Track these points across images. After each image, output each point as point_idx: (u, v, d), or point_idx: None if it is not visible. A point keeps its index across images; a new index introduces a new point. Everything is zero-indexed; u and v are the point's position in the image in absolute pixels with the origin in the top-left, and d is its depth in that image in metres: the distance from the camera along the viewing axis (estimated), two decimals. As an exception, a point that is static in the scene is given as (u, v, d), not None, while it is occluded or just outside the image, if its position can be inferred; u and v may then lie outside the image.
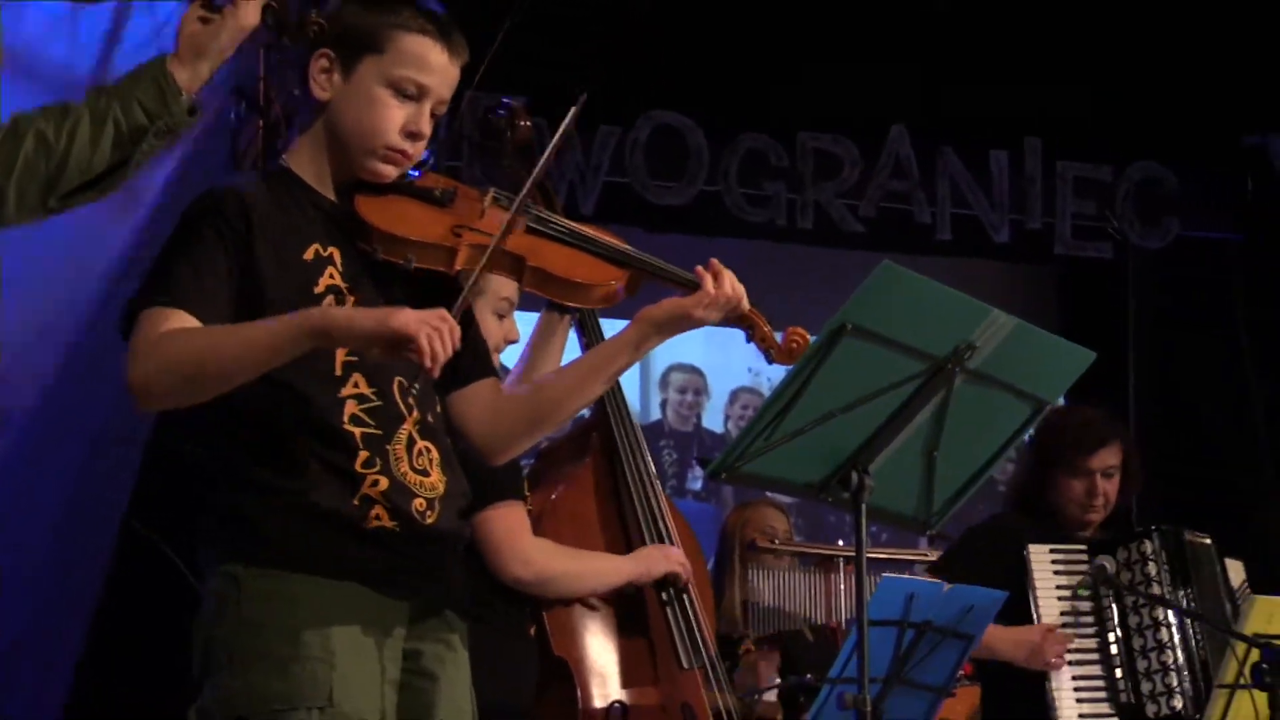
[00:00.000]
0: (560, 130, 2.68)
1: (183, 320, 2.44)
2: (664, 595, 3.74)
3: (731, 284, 2.82)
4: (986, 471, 3.17)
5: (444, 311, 2.46)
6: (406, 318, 2.42)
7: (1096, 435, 4.21)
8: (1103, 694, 4.03)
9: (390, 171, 2.66)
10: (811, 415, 2.98)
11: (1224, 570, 4.38)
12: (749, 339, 2.98)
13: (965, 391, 3.04)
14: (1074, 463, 4.17)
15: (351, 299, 2.59)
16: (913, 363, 3.01)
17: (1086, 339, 3.20)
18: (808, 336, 2.98)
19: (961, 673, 3.91)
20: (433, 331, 2.41)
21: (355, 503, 2.51)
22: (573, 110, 2.66)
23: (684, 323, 2.84)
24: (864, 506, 3.02)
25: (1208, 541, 4.35)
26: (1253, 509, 7.81)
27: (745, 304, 2.88)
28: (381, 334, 2.40)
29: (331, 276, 2.59)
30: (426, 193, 2.71)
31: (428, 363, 2.41)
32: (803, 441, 3.01)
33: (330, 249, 2.60)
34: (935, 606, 3.55)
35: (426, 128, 2.67)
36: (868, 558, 3.01)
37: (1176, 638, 4.03)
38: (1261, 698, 3.68)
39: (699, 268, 2.83)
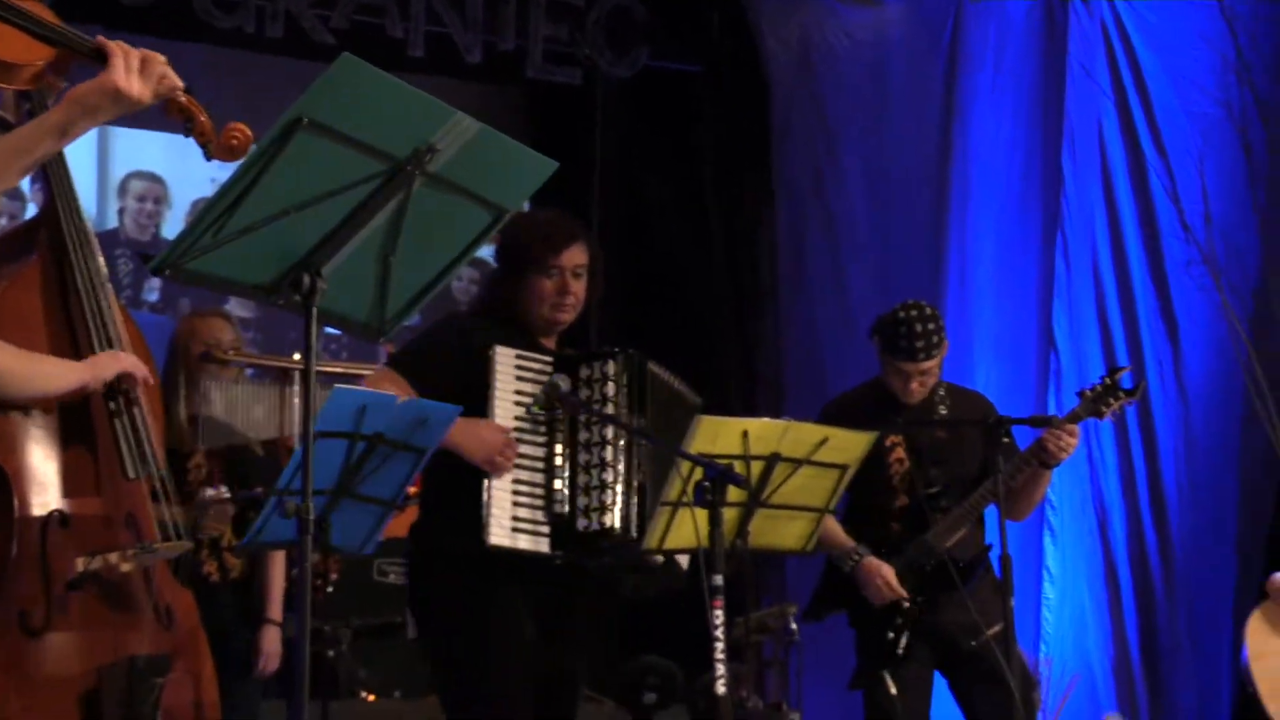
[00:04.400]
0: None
1: None
2: (112, 405, 3.50)
3: (144, 58, 2.62)
4: (443, 279, 3.10)
5: None
6: None
7: (567, 232, 4.20)
8: (540, 502, 4.05)
9: None
10: (263, 212, 2.83)
11: (684, 404, 4.48)
12: (188, 133, 2.81)
13: (424, 195, 2.96)
14: (544, 260, 4.15)
15: None
16: (371, 162, 2.89)
17: (554, 158, 3.15)
18: (249, 133, 2.80)
19: (412, 490, 3.85)
20: None
21: None
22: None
23: (108, 97, 2.62)
24: (314, 310, 2.89)
25: (674, 378, 4.44)
26: (712, 341, 8.17)
27: (178, 87, 2.68)
28: None
29: None
30: None
31: None
32: (254, 240, 2.86)
33: None
34: (388, 419, 3.47)
35: None
36: (325, 371, 2.88)
37: (620, 458, 4.09)
38: (702, 514, 3.79)
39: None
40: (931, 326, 5.02)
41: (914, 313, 5.03)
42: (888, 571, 5.00)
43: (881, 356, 5.09)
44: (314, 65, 7.19)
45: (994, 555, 4.89)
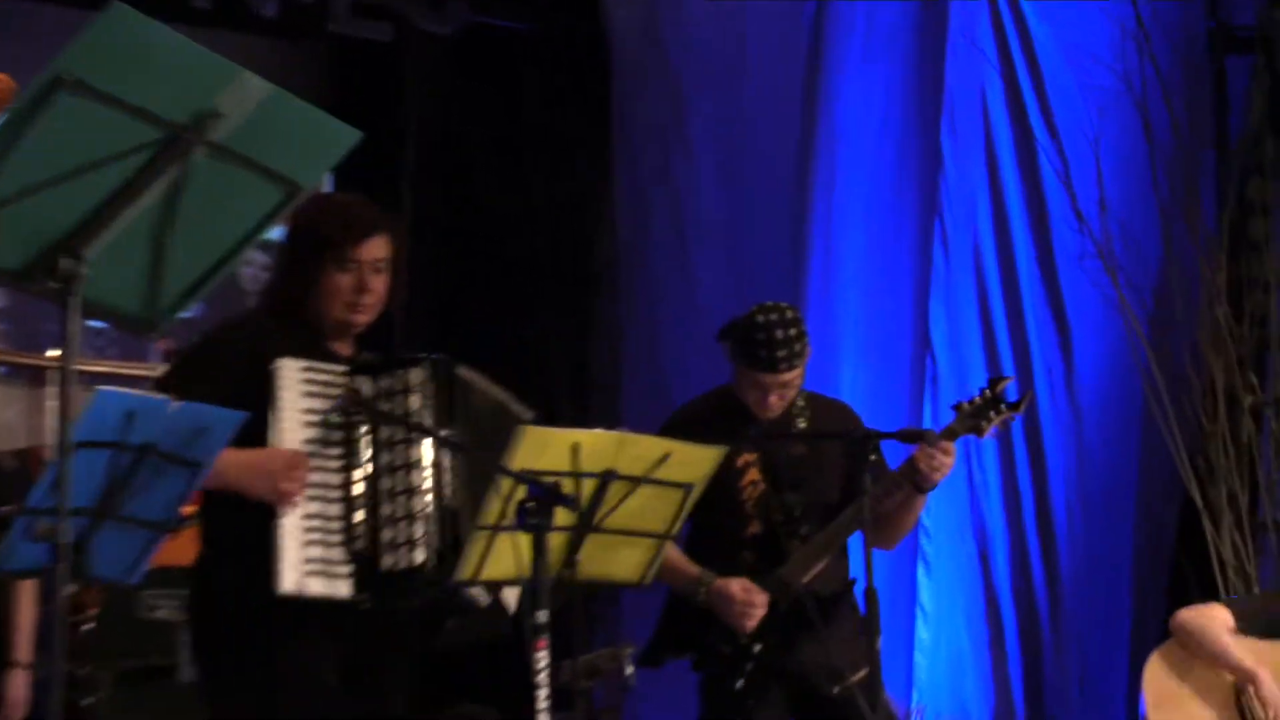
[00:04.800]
0: None
1: None
2: None
3: None
4: (226, 265, 3.12)
5: None
6: None
7: (367, 220, 4.22)
8: (337, 538, 4.07)
9: None
10: (16, 185, 2.83)
11: (506, 416, 4.51)
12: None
13: (205, 168, 2.98)
14: (341, 252, 4.17)
15: None
16: (144, 129, 2.91)
17: (360, 127, 3.19)
18: (10, 84, 2.81)
19: (188, 510, 3.86)
20: None
21: None
22: None
23: None
24: (75, 299, 2.90)
25: (491, 385, 4.46)
26: (539, 340, 8.21)
27: None
28: None
29: None
30: None
31: None
32: (4, 217, 2.85)
33: None
34: (160, 427, 3.48)
35: None
36: (87, 371, 2.89)
37: (429, 483, 4.11)
38: (525, 540, 3.83)
39: None
40: (793, 332, 5.09)
41: (773, 317, 5.10)
42: (745, 584, 5.05)
43: (734, 363, 5.16)
44: (84, 15, 7.12)
45: (859, 590, 4.95)
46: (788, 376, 5.10)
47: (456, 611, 4.31)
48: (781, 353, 5.05)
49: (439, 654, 6.62)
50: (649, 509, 4.26)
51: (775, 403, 5.14)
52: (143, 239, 3.00)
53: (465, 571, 4.03)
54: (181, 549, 4.19)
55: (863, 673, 4.90)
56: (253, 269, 7.24)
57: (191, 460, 3.57)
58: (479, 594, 4.27)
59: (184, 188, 2.97)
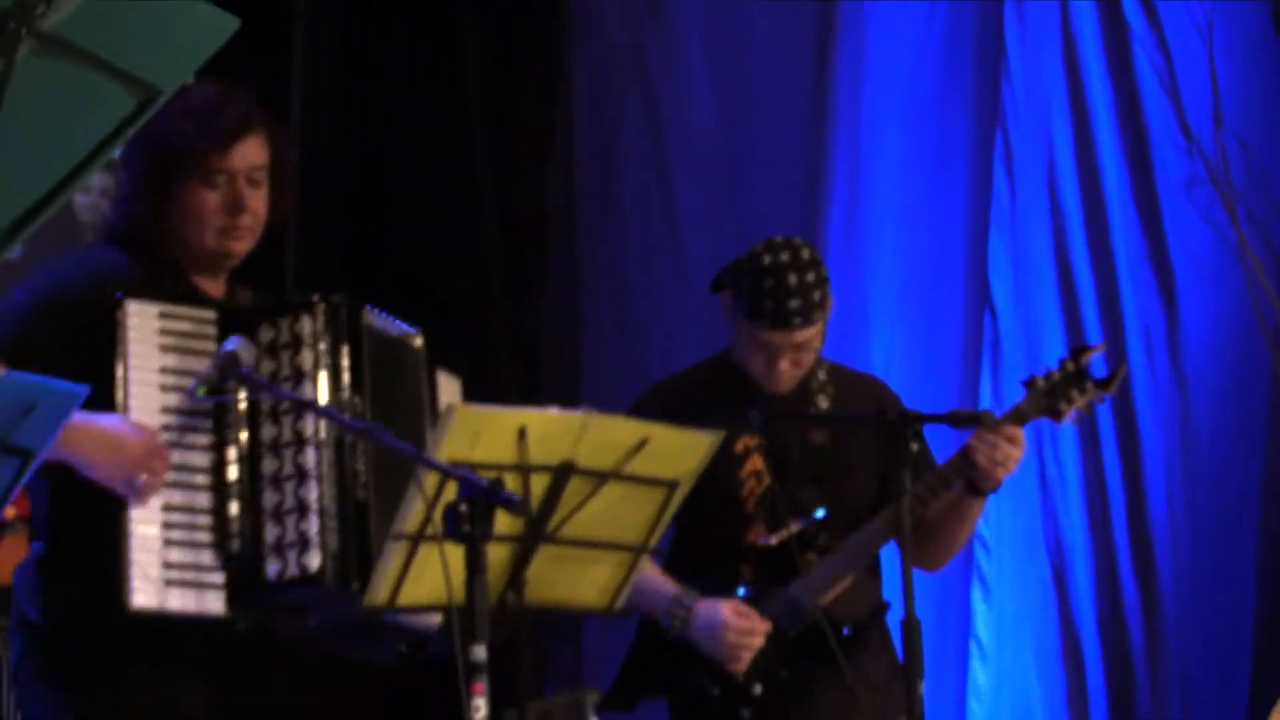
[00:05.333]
0: None
1: None
2: None
3: None
4: (62, 194, 3.14)
5: None
6: None
7: (235, 117, 4.23)
8: (206, 537, 4.08)
9: None
10: None
11: (431, 384, 4.52)
12: None
13: (35, 67, 2.99)
14: (205, 161, 4.19)
15: None
16: (-52, 15, 2.92)
17: (240, 14, 3.21)
18: None
19: (11, 513, 3.89)
20: None
21: None
22: None
23: None
24: None
25: (411, 338, 4.47)
26: (476, 293, 8.21)
27: None
28: None
29: None
30: None
31: None
32: None
33: None
34: (-23, 405, 3.49)
35: None
36: None
37: (327, 465, 4.12)
38: (457, 553, 3.85)
39: None
40: (811, 278, 5.12)
41: (784, 257, 5.13)
42: (739, 607, 5.09)
43: (734, 322, 5.18)
44: None
45: (895, 618, 4.98)
46: (803, 335, 5.12)
47: (367, 633, 4.31)
48: (795, 303, 5.07)
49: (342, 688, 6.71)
50: (620, 513, 4.29)
51: (787, 370, 5.15)
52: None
53: (378, 594, 4.05)
54: (5, 563, 4.21)
55: (899, 727, 4.94)
56: (88, 197, 7.24)
57: (15, 447, 3.58)
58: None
59: (7, 91, 2.99)
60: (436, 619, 4.27)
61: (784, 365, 5.14)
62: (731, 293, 5.15)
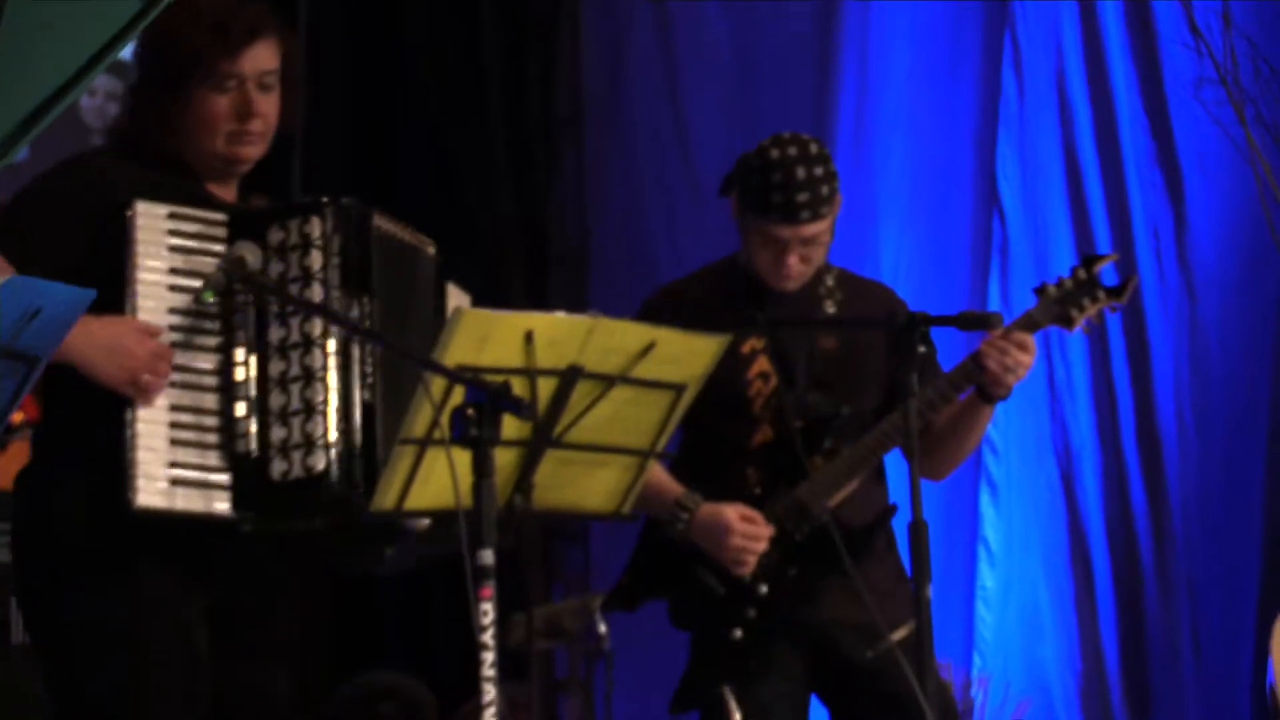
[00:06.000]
0: None
1: None
2: None
3: None
4: (64, 99, 3.11)
5: None
6: None
7: (245, 21, 4.21)
8: (213, 438, 4.08)
9: None
10: None
11: (440, 293, 4.52)
12: None
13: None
14: (214, 65, 4.17)
15: None
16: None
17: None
18: None
19: (18, 418, 3.89)
20: None
21: None
22: None
23: None
24: None
25: (424, 244, 4.46)
26: (480, 193, 8.20)
27: None
28: None
29: None
30: None
31: None
32: None
33: None
34: (-20, 311, 3.48)
35: None
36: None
37: (333, 367, 4.11)
38: (464, 458, 3.85)
39: None
40: (819, 172, 5.10)
41: (792, 151, 5.11)
42: (744, 511, 5.08)
43: (741, 219, 5.17)
44: None
45: (901, 522, 4.98)
46: (811, 229, 5.10)
47: (374, 537, 4.32)
48: (802, 196, 5.06)
49: (347, 596, 6.72)
50: (627, 417, 4.29)
51: (795, 266, 5.13)
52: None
53: (384, 499, 4.06)
54: (9, 470, 4.21)
55: (906, 630, 4.94)
56: (96, 99, 7.22)
57: (21, 352, 3.58)
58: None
59: (6, -6, 2.97)
60: (424, 522, 4.29)
61: (792, 261, 5.12)
62: (739, 191, 5.13)
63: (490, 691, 3.82)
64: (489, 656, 3.82)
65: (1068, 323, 5.14)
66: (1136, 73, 7.62)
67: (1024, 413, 7.47)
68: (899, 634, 4.98)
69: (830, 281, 5.27)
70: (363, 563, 4.51)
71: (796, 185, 5.06)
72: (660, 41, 8.12)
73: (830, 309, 5.24)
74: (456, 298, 4.58)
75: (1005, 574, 7.52)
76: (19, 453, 4.22)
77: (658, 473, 5.05)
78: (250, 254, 4.11)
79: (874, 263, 7.31)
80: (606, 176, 8.24)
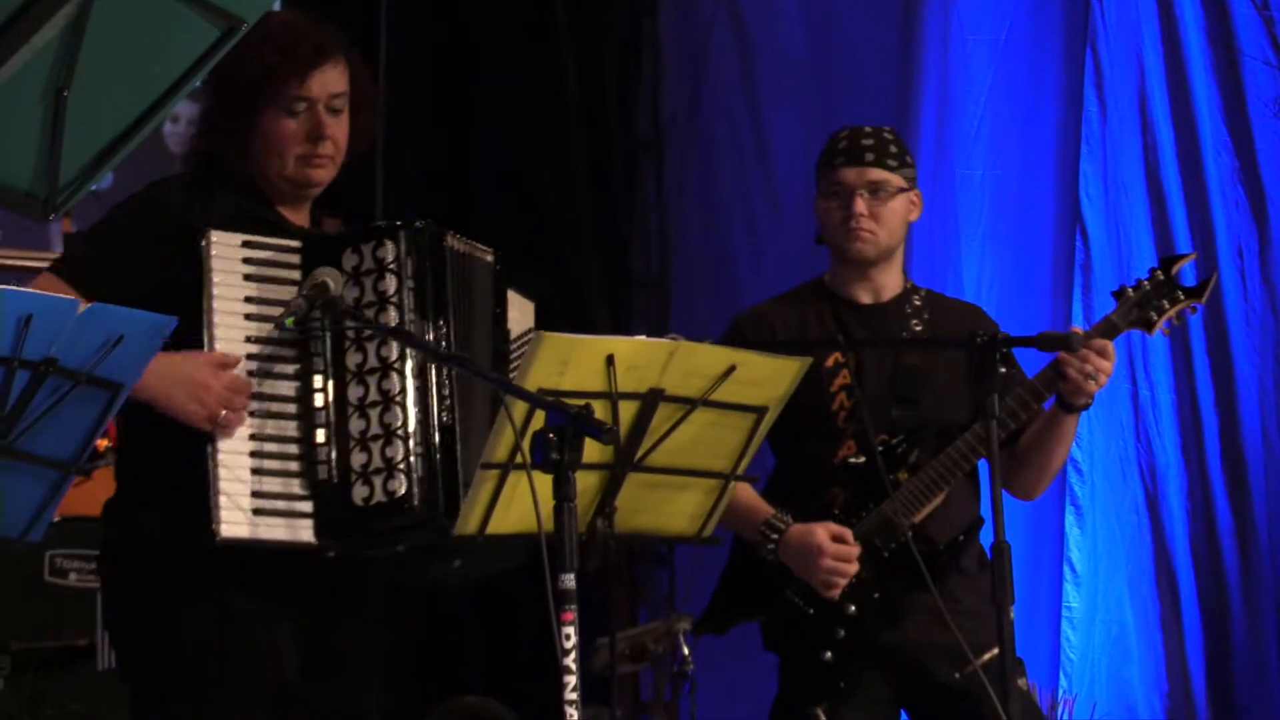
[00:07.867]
0: None
1: None
2: None
3: None
4: (144, 127, 3.13)
5: None
6: None
7: (315, 44, 4.22)
8: (295, 466, 4.09)
9: None
10: None
11: (501, 300, 4.52)
12: None
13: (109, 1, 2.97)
14: (284, 88, 4.19)
15: None
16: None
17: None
18: None
19: (102, 444, 3.89)
20: None
21: None
22: None
23: None
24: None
25: (484, 252, 4.47)
26: (562, 219, 8.22)
27: None
28: None
29: None
30: None
31: None
32: None
33: None
34: (66, 337, 3.49)
35: None
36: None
37: (411, 390, 4.12)
38: (545, 481, 3.84)
39: None
40: (889, 135, 5.25)
41: (864, 127, 5.26)
42: (836, 530, 5.06)
43: (817, 190, 5.21)
44: None
45: (986, 542, 4.93)
46: (876, 174, 5.14)
47: (442, 549, 4.31)
48: (868, 142, 5.15)
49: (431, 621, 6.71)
50: (709, 440, 4.28)
51: (864, 221, 5.13)
52: (34, 95, 3.01)
53: (467, 524, 4.06)
54: (96, 496, 4.22)
55: (992, 653, 4.90)
56: (178, 125, 7.25)
57: (105, 380, 3.59)
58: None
59: (88, 25, 2.98)
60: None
61: (859, 207, 5.13)
62: (816, 169, 5.21)
63: (573, 715, 3.81)
64: (571, 680, 3.81)
65: (1147, 326, 5.11)
66: (1219, 90, 7.59)
67: (1108, 433, 7.45)
68: (986, 657, 4.95)
69: (918, 301, 5.27)
70: (431, 575, 4.50)
71: (863, 135, 5.20)
72: (740, 62, 8.13)
73: (916, 328, 5.24)
74: (518, 305, 4.60)
75: (1090, 595, 7.49)
76: (105, 478, 4.22)
77: (747, 493, 5.06)
78: (332, 280, 4.12)
79: (956, 281, 7.30)
80: (686, 199, 8.24)
